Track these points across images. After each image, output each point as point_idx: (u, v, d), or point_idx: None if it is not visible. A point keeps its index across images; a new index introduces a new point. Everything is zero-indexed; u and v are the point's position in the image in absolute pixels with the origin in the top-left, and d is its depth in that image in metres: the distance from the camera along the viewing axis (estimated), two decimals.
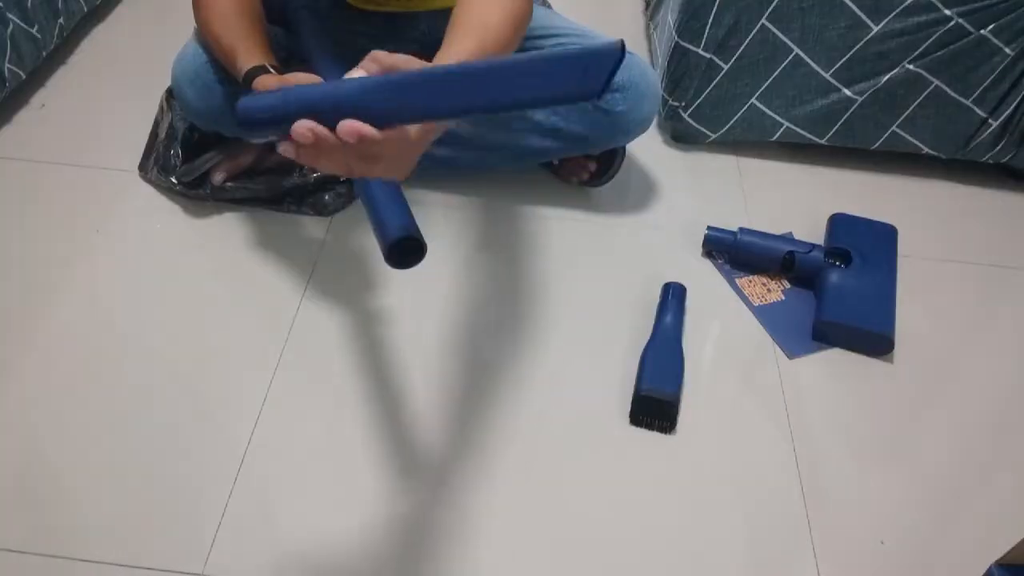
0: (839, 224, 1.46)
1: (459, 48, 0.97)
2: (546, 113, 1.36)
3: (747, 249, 1.39)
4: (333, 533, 1.02)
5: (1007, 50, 1.44)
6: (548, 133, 1.38)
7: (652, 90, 1.36)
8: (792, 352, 1.28)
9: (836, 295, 1.32)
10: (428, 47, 1.41)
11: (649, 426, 1.16)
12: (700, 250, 1.43)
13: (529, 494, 1.08)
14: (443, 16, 1.38)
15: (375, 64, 0.78)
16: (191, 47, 1.30)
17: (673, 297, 1.31)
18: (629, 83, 1.33)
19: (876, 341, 1.28)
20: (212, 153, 1.39)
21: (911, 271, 1.43)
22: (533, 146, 1.40)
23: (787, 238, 1.43)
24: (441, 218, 1.45)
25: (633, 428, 1.16)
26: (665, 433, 1.16)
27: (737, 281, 1.38)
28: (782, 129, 1.59)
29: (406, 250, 0.96)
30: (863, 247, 1.39)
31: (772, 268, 1.39)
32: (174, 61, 1.30)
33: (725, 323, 1.32)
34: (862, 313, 1.30)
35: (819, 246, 1.38)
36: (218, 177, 1.39)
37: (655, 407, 1.16)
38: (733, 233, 1.39)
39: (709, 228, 1.41)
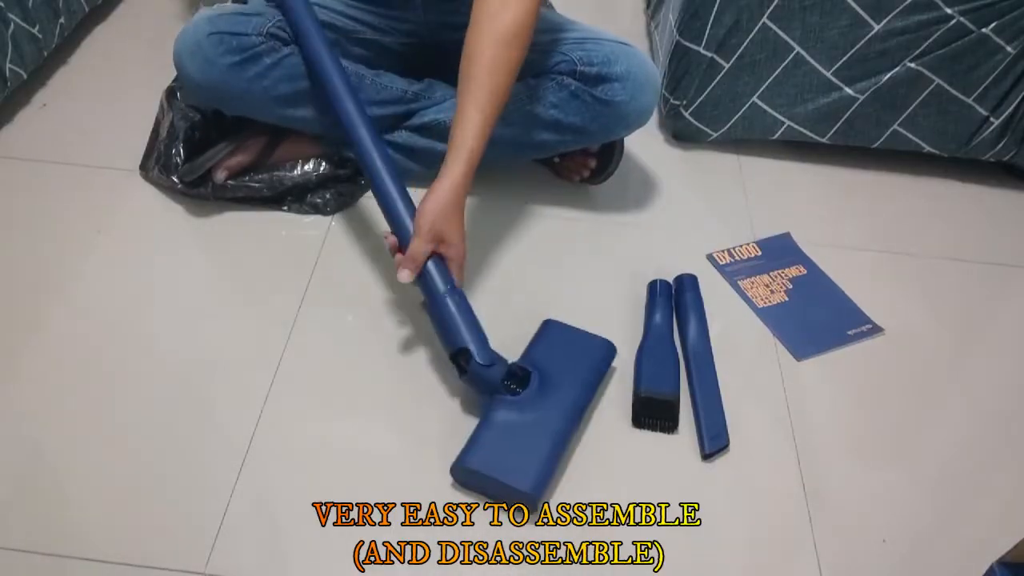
0: (550, 332, 1.23)
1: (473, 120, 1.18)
2: (545, 105, 1.36)
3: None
4: (334, 533, 1.02)
5: (1008, 48, 1.44)
6: (547, 126, 1.38)
7: (651, 80, 1.36)
8: (799, 354, 1.28)
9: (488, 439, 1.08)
10: (426, 36, 1.42)
11: (652, 427, 1.16)
12: (702, 249, 1.43)
13: None
14: (442, 4, 1.39)
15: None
16: (193, 23, 1.31)
17: (660, 295, 1.31)
18: (628, 73, 1.33)
19: (515, 495, 1.04)
20: (218, 148, 1.39)
21: (912, 269, 1.44)
22: (532, 140, 1.39)
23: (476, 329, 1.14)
24: None
25: (634, 429, 1.16)
26: (668, 433, 1.16)
27: (740, 283, 1.38)
28: (783, 128, 1.59)
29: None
30: (558, 365, 1.16)
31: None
32: (176, 37, 1.31)
33: (728, 324, 1.32)
34: (507, 462, 1.05)
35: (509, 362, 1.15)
36: (220, 175, 1.39)
37: (656, 408, 1.16)
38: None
39: None
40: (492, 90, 1.18)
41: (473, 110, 1.17)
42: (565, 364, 1.16)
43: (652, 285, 1.33)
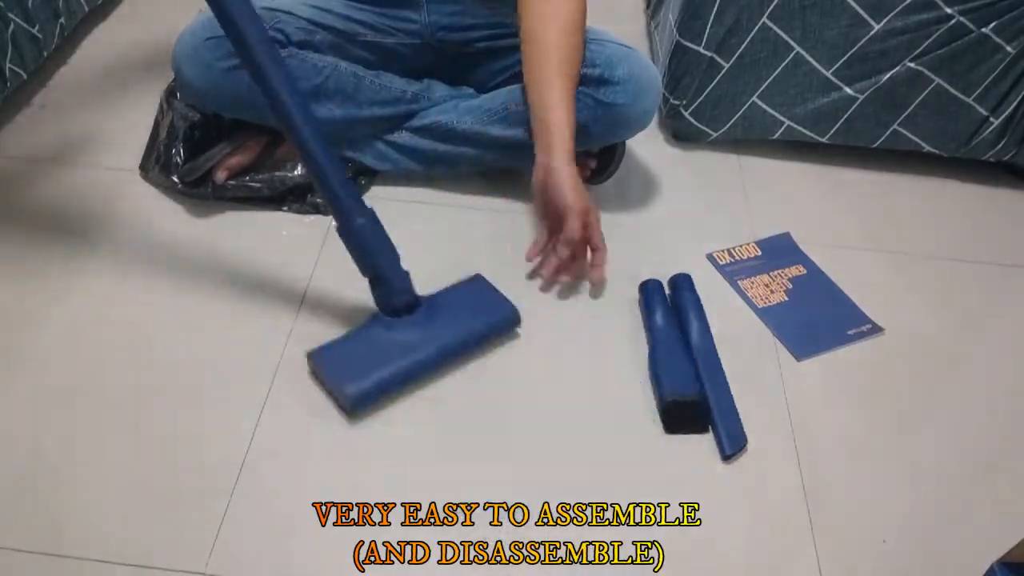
0: (469, 283, 1.28)
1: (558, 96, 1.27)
2: None
3: None
4: (334, 533, 1.02)
5: (1008, 48, 1.44)
6: None
7: (653, 84, 1.36)
8: (799, 354, 1.28)
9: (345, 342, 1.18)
10: (428, 38, 1.43)
11: (684, 431, 1.15)
12: (702, 249, 1.43)
13: (533, 491, 1.07)
14: (445, 6, 1.39)
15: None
16: (191, 27, 1.31)
17: (655, 294, 1.30)
18: (630, 76, 1.33)
19: (339, 396, 1.13)
20: (219, 148, 1.39)
21: (912, 269, 1.44)
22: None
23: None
24: (441, 217, 1.45)
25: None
26: (701, 433, 1.15)
27: (739, 283, 1.38)
28: (783, 128, 1.59)
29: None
30: (451, 310, 1.22)
31: None
32: (175, 41, 1.31)
33: (728, 324, 1.31)
34: (346, 367, 1.14)
35: None
36: (220, 175, 1.39)
37: (685, 411, 1.16)
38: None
39: None
40: (570, 75, 1.28)
41: (559, 95, 1.27)
42: (461, 312, 1.22)
43: (644, 285, 1.32)
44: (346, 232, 1.14)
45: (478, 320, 1.23)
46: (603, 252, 1.30)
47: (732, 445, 1.13)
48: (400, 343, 1.16)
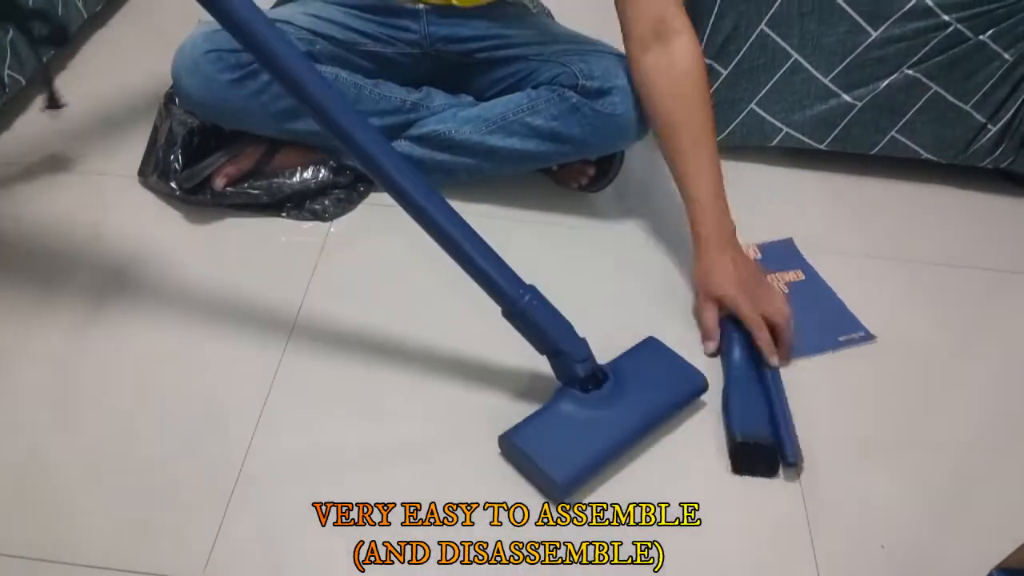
0: (646, 348, 1.23)
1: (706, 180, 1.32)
2: (545, 118, 1.37)
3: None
4: (334, 533, 1.02)
5: (1006, 55, 1.45)
6: (547, 138, 1.38)
7: None
8: (797, 353, 1.28)
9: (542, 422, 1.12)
10: (428, 47, 1.43)
11: (752, 472, 1.13)
12: None
13: (533, 491, 1.08)
14: (446, 17, 1.40)
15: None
16: (191, 38, 1.32)
17: (736, 330, 1.26)
18: (627, 86, 1.33)
19: (546, 481, 1.07)
20: (218, 154, 1.39)
21: (910, 275, 1.44)
22: (532, 151, 1.40)
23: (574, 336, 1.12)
24: None
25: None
26: (768, 478, 1.13)
27: None
28: (781, 134, 1.59)
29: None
30: (639, 380, 1.16)
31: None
32: (175, 53, 1.32)
33: None
34: (550, 449, 1.08)
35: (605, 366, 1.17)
36: (219, 182, 1.39)
37: (754, 452, 1.13)
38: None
39: None
40: (710, 131, 1.31)
41: (700, 164, 1.30)
42: (647, 382, 1.16)
43: (724, 321, 1.28)
44: (515, 315, 1.09)
45: (669, 391, 1.17)
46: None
47: (794, 455, 1.12)
48: (597, 420, 1.10)
